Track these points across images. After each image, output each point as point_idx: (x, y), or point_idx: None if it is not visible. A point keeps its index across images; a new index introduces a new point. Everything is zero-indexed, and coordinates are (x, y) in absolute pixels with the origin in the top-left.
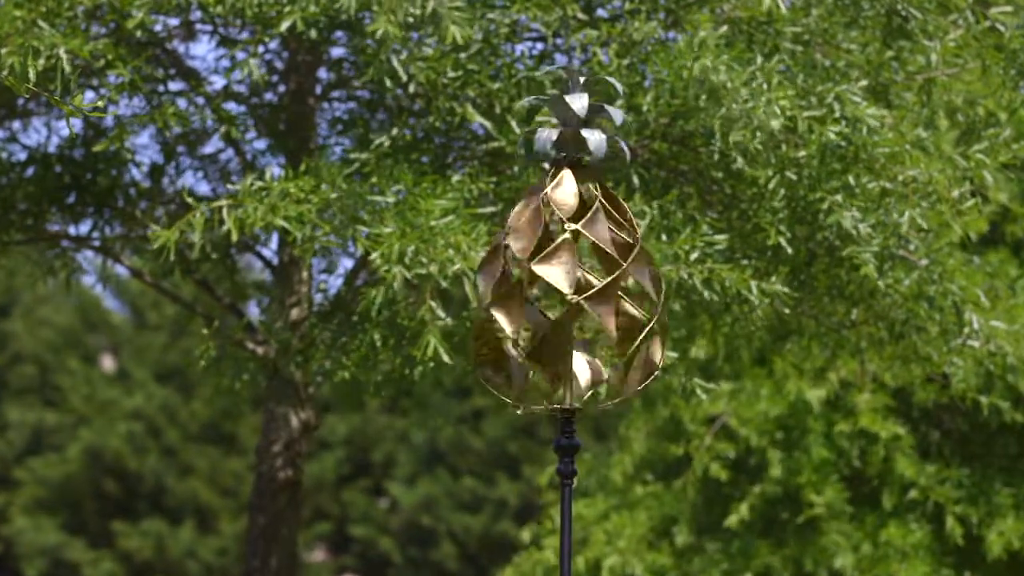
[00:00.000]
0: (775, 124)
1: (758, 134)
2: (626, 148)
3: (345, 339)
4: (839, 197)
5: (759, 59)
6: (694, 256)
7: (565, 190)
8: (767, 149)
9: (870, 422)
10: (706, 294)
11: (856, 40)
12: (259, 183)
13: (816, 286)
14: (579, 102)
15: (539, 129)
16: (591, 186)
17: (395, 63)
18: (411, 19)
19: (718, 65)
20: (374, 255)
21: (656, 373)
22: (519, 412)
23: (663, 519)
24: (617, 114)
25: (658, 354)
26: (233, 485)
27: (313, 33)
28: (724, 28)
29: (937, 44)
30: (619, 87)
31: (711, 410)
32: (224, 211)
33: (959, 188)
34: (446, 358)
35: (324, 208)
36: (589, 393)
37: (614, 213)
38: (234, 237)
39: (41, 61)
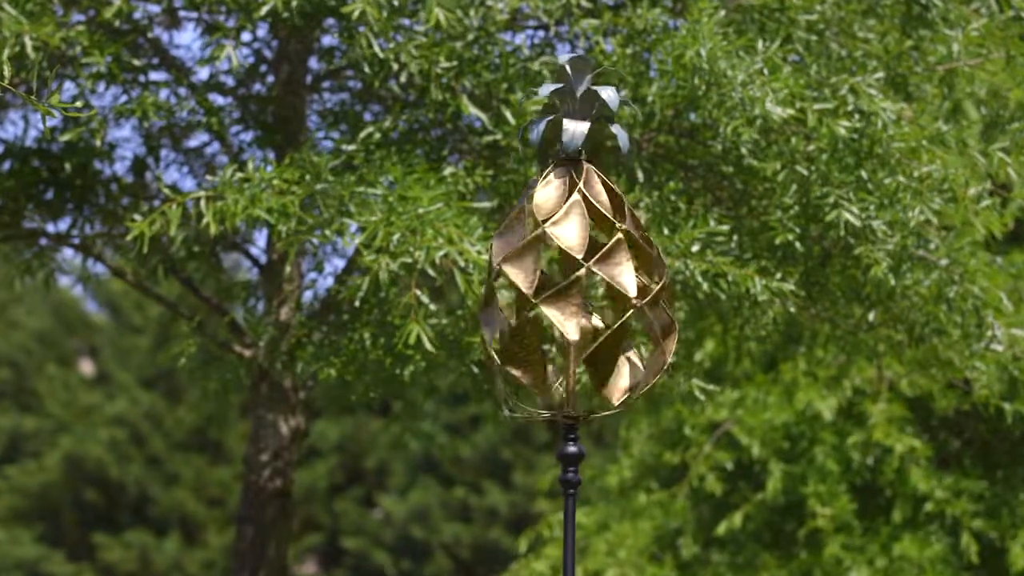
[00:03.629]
0: (777, 112)
1: (758, 122)
2: (624, 137)
3: (334, 338)
4: (849, 193)
5: (760, 45)
6: (695, 249)
7: (597, 187)
8: (778, 141)
9: (884, 435)
10: (705, 286)
11: (874, 29)
12: (240, 174)
13: (831, 287)
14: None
15: (536, 122)
16: (593, 179)
17: (375, 47)
18: (395, 2)
19: (716, 51)
20: (358, 240)
21: (638, 384)
22: (510, 415)
23: (668, 530)
24: (612, 98)
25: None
26: (220, 495)
27: (297, 19)
28: (723, 14)
29: (959, 33)
30: (620, 73)
31: (715, 417)
32: (203, 203)
33: (979, 185)
34: (428, 346)
35: (310, 200)
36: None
37: (612, 209)
38: (212, 230)
39: (7, 50)
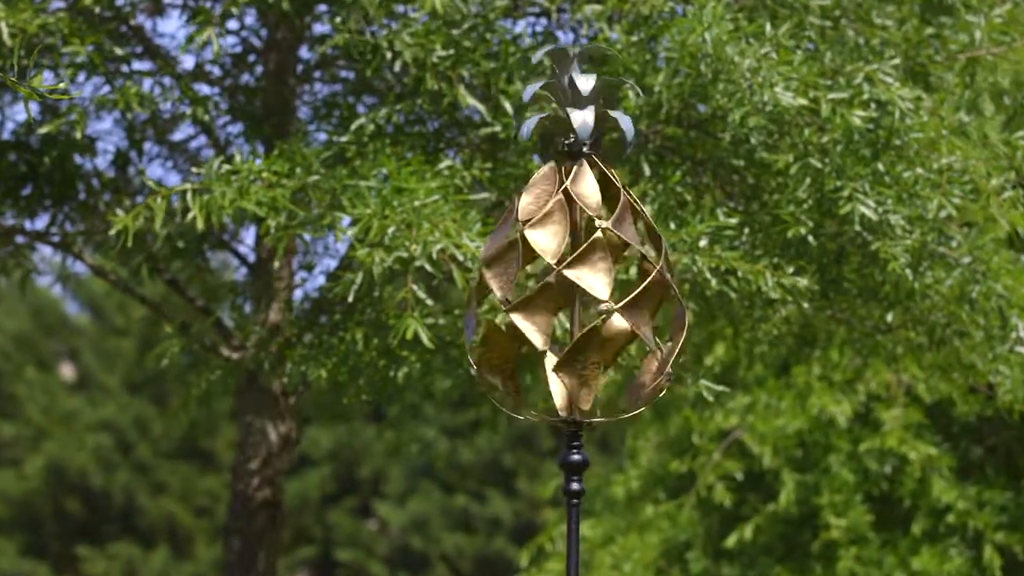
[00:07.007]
0: (787, 99)
1: (767, 108)
2: (628, 127)
3: (326, 338)
4: (865, 185)
5: (768, 29)
6: (703, 244)
7: (587, 183)
8: (790, 133)
9: (898, 442)
10: (714, 283)
11: (892, 16)
12: (227, 166)
13: (847, 286)
14: (586, 83)
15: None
16: (608, 174)
17: (366, 32)
18: None
19: (722, 36)
20: (351, 233)
21: (662, 383)
22: (525, 417)
23: (676, 543)
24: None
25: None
26: (210, 505)
27: (286, 4)
28: None
29: (981, 20)
30: (603, 48)
31: (724, 424)
32: (188, 196)
33: (1001, 176)
34: (427, 342)
35: (301, 193)
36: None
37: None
38: (199, 225)
39: None
